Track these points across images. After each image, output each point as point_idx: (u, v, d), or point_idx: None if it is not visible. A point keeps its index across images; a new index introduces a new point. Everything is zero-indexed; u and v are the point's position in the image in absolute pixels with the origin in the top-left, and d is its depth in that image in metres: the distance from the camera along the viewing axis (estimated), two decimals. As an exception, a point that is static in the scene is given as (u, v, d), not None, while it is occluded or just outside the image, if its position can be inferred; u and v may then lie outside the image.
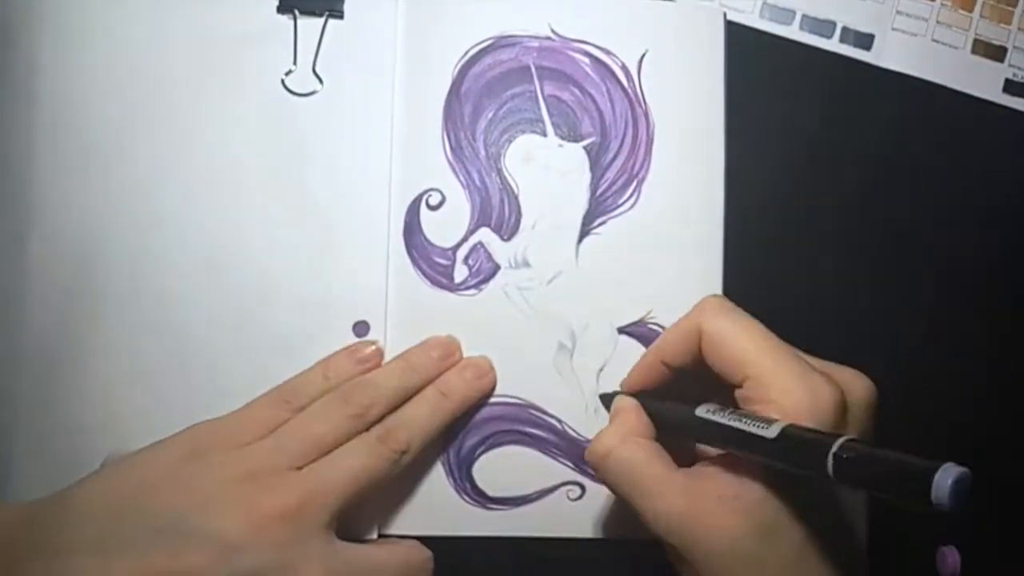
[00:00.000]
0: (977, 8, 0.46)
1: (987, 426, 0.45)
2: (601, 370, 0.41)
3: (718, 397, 0.34)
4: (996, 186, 0.46)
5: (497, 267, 0.41)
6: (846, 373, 0.34)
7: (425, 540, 0.39)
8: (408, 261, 0.41)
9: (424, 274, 0.41)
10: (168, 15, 0.41)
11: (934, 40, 0.45)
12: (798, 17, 0.45)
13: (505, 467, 0.40)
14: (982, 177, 0.46)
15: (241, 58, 0.41)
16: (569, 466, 0.41)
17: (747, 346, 0.33)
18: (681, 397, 0.35)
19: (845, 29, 0.45)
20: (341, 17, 0.41)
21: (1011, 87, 0.46)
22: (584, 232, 0.41)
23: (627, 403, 0.37)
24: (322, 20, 0.41)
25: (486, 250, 0.41)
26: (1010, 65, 0.46)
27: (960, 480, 0.24)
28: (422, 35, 0.41)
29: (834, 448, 0.27)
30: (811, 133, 0.45)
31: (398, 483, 0.38)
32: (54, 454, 0.39)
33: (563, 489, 0.41)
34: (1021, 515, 0.44)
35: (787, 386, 0.31)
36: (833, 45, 0.45)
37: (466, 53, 0.42)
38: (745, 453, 0.31)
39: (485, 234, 0.41)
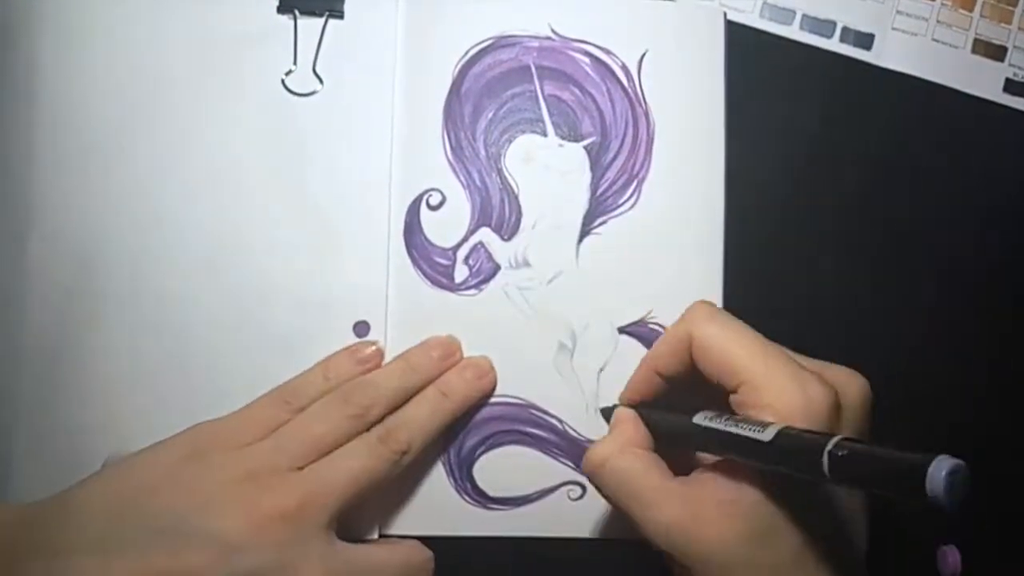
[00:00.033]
0: (977, 8, 0.46)
1: (987, 426, 0.45)
2: (601, 370, 0.41)
3: (716, 406, 0.33)
4: (996, 186, 0.46)
5: (497, 267, 0.41)
6: (840, 372, 0.34)
7: (425, 540, 0.39)
8: (408, 261, 0.41)
9: (424, 274, 0.41)
10: (168, 15, 0.41)
11: (934, 40, 0.45)
12: (798, 17, 0.45)
13: (505, 467, 0.40)
14: (982, 177, 0.46)
15: (241, 58, 0.41)
16: (569, 466, 0.41)
17: (738, 351, 0.33)
18: (681, 407, 0.35)
19: (845, 29, 0.45)
20: (341, 17, 0.41)
21: (1011, 87, 0.46)
22: (584, 232, 0.41)
23: (624, 414, 0.37)
24: (322, 20, 0.41)
25: (486, 250, 0.41)
26: (1010, 65, 0.46)
27: (954, 472, 0.23)
28: (422, 35, 0.41)
29: (828, 446, 0.27)
30: (811, 133, 0.45)
31: (398, 483, 0.38)
32: (54, 454, 0.39)
33: (563, 489, 0.41)
34: (1021, 515, 0.44)
35: (780, 389, 0.31)
36: (833, 45, 0.45)
37: (466, 53, 0.42)
38: (742, 458, 0.31)
39: (485, 234, 0.41)
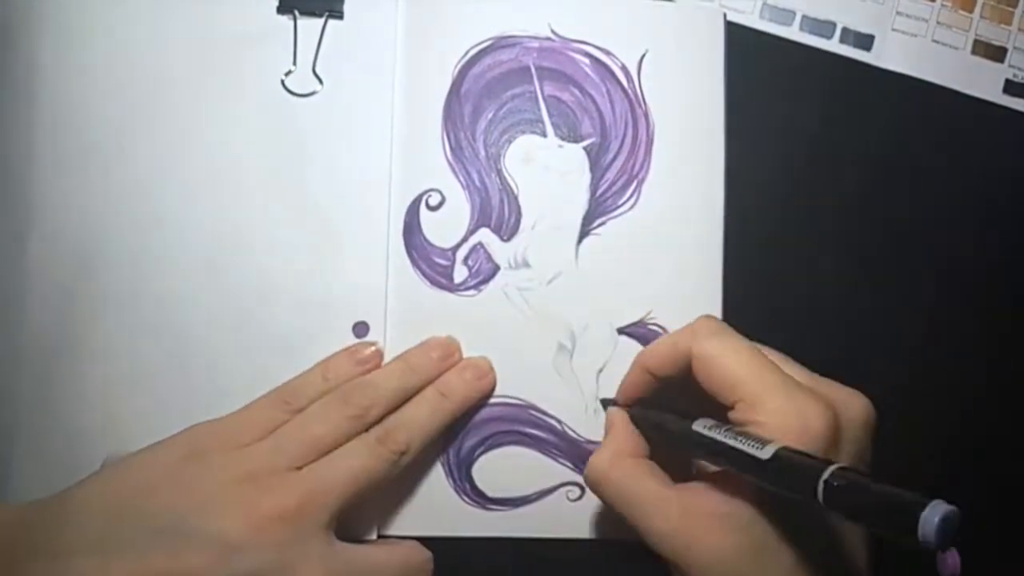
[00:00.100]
0: (977, 9, 0.46)
1: (987, 426, 0.45)
2: (601, 370, 0.41)
3: (714, 410, 0.33)
4: (996, 186, 0.46)
5: (497, 267, 0.41)
6: (843, 392, 0.34)
7: (425, 541, 0.39)
8: (408, 261, 0.41)
9: (424, 274, 0.41)
10: (168, 15, 0.41)
11: (934, 41, 0.45)
12: (798, 17, 0.45)
13: (505, 468, 0.40)
14: (982, 177, 0.46)
15: (241, 58, 0.41)
16: (569, 466, 0.41)
17: (737, 369, 0.33)
18: (678, 409, 0.35)
19: (845, 30, 0.45)
20: (341, 17, 0.41)
21: (1011, 87, 0.46)
22: (584, 232, 0.41)
23: (616, 418, 0.37)
24: (322, 20, 0.41)
25: (486, 250, 0.41)
26: (1010, 65, 0.46)
27: (947, 518, 0.23)
28: (422, 35, 0.41)
29: (825, 475, 0.27)
30: (811, 133, 0.45)
31: (398, 484, 0.38)
32: (54, 455, 0.39)
33: (563, 489, 0.41)
34: (1021, 515, 0.44)
35: (777, 409, 0.31)
36: (833, 45, 0.45)
37: (466, 53, 0.42)
38: (738, 471, 0.31)
39: (485, 234, 0.41)
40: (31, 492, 0.36)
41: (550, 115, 0.42)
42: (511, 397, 0.40)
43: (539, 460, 0.40)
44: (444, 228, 0.41)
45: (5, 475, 0.39)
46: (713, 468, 0.33)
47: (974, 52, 0.45)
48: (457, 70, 0.41)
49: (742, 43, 0.43)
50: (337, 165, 0.41)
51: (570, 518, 0.40)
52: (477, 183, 0.41)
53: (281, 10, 0.41)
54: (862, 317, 0.44)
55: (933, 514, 0.23)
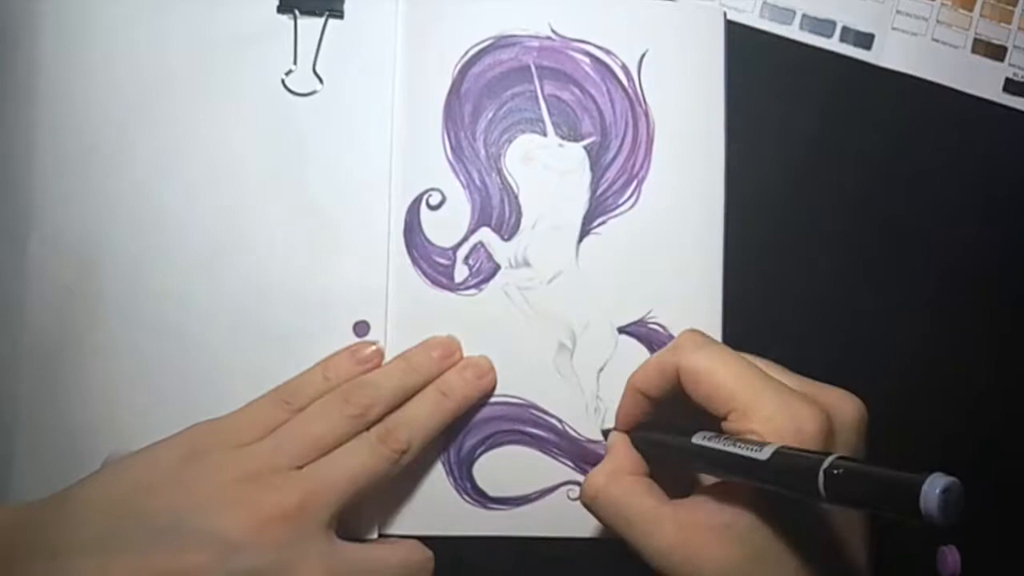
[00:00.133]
0: (977, 7, 0.46)
1: (987, 426, 0.45)
2: (601, 370, 0.41)
3: (713, 426, 0.33)
4: (996, 186, 0.46)
5: (497, 267, 0.41)
6: (834, 394, 0.34)
7: (425, 540, 0.39)
8: (408, 261, 0.41)
9: (424, 274, 0.41)
10: (168, 15, 0.41)
11: (934, 40, 0.45)
12: (798, 17, 0.45)
13: (505, 467, 0.40)
14: (982, 176, 0.46)
15: (241, 58, 0.41)
16: (569, 466, 0.41)
17: (726, 380, 0.33)
18: (678, 429, 0.35)
19: (845, 29, 0.45)
20: (341, 17, 0.41)
21: (1011, 87, 0.46)
22: (584, 232, 0.41)
23: (616, 440, 0.37)
24: (322, 20, 0.41)
25: (486, 250, 0.41)
26: (1010, 64, 0.46)
27: (948, 489, 0.23)
28: (422, 35, 0.41)
29: (824, 465, 0.27)
30: (811, 133, 0.45)
31: (398, 483, 0.38)
32: (54, 454, 0.39)
33: (563, 489, 0.41)
34: (1021, 515, 0.44)
35: (768, 415, 0.31)
36: (833, 45, 0.45)
37: (466, 53, 0.42)
38: (738, 477, 0.31)
39: (485, 234, 0.41)
40: (31, 492, 0.36)
41: (550, 114, 0.42)
42: (512, 396, 0.40)
43: (540, 459, 0.40)
44: (444, 227, 0.41)
45: (5, 475, 0.39)
46: (712, 481, 0.33)
47: (974, 51, 0.46)
48: (457, 69, 0.41)
49: (742, 42, 0.43)
50: (337, 165, 0.41)
51: (570, 517, 0.40)
52: (477, 182, 0.41)
53: (281, 10, 0.41)
54: (862, 317, 0.44)
55: (933, 487, 0.23)
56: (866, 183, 0.45)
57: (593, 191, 0.41)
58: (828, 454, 0.27)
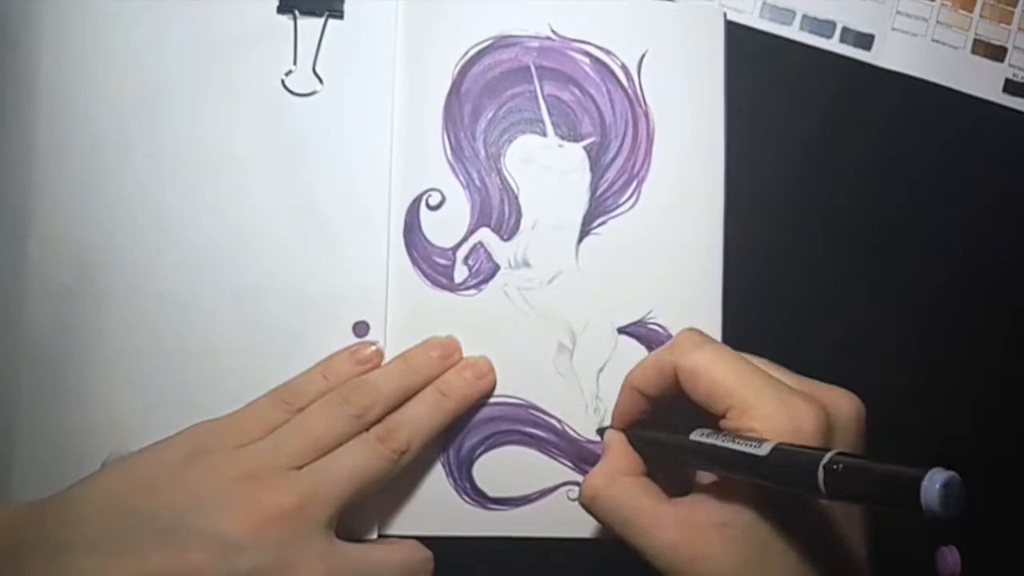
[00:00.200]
0: (977, 8, 0.46)
1: (987, 426, 0.45)
2: (601, 370, 0.41)
3: (711, 424, 0.33)
4: (996, 186, 0.46)
5: (497, 267, 0.41)
6: (833, 393, 0.33)
7: (425, 540, 0.39)
8: (408, 261, 0.41)
9: (424, 274, 0.41)
10: (168, 15, 0.41)
11: (934, 40, 0.45)
12: (798, 17, 0.45)
13: (505, 467, 0.40)
14: (982, 177, 0.46)
15: (241, 58, 0.41)
16: (569, 466, 0.41)
17: (724, 378, 0.32)
18: (675, 427, 0.35)
19: (845, 29, 0.45)
20: (341, 17, 0.41)
21: (1011, 87, 0.46)
22: (584, 232, 0.41)
23: (612, 439, 0.37)
24: (322, 20, 0.41)
25: (486, 250, 0.41)
26: (1010, 65, 0.46)
27: (948, 484, 0.23)
28: (422, 35, 0.41)
29: (824, 461, 0.27)
30: (811, 133, 0.45)
31: (398, 483, 0.38)
32: (54, 454, 0.39)
33: (563, 489, 0.41)
34: (1021, 515, 0.44)
35: (767, 413, 0.31)
36: (833, 45, 0.45)
37: (466, 53, 0.42)
38: (737, 474, 0.31)
39: (485, 234, 0.41)
40: (31, 492, 0.36)
41: (550, 114, 0.42)
42: (511, 396, 0.40)
43: (539, 459, 0.40)
44: (444, 228, 0.41)
45: (5, 475, 0.39)
46: (711, 479, 0.33)
47: (974, 51, 0.46)
48: (457, 70, 0.41)
49: (742, 43, 0.43)
50: (337, 165, 0.41)
51: (570, 518, 0.40)
52: (477, 183, 0.41)
53: (281, 10, 0.41)
54: (862, 317, 0.45)
55: (933, 482, 0.23)
56: (866, 183, 0.45)
57: (593, 191, 0.41)
58: (828, 450, 0.27)
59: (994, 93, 0.46)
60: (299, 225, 0.40)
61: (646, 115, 0.42)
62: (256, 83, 0.41)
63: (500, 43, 0.42)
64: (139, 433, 0.36)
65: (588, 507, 0.36)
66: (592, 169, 0.41)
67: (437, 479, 0.40)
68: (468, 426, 0.40)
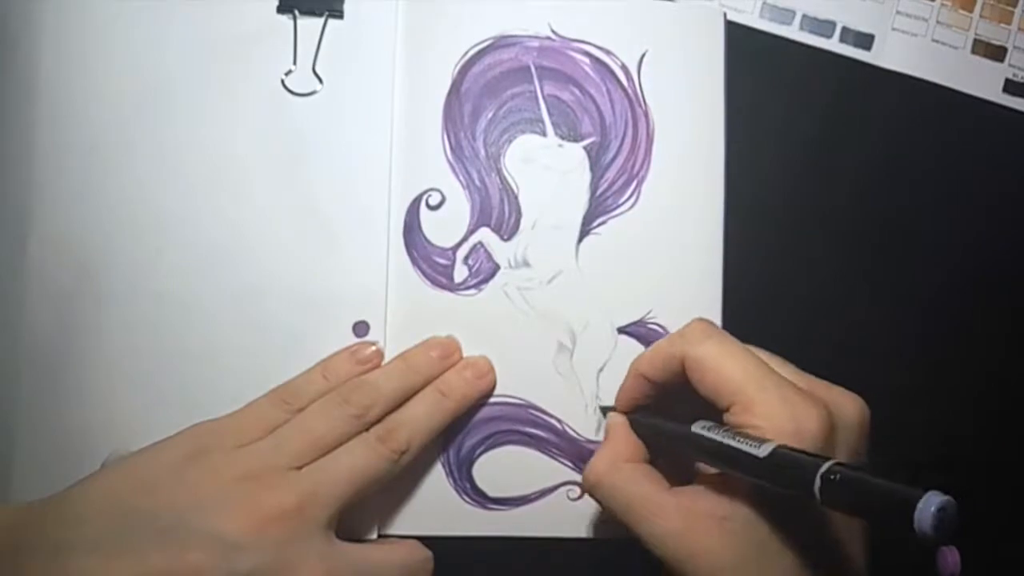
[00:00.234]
0: (977, 8, 0.46)
1: (987, 426, 0.45)
2: (601, 370, 0.41)
3: (712, 414, 0.33)
4: (996, 186, 0.46)
5: (497, 267, 0.41)
6: (837, 393, 0.34)
7: (425, 540, 0.39)
8: (408, 261, 0.41)
9: (424, 274, 0.41)
10: (168, 15, 0.41)
11: (934, 40, 0.45)
12: (798, 17, 0.45)
13: (505, 467, 0.40)
14: (982, 177, 0.46)
15: (241, 58, 0.41)
16: (569, 466, 0.41)
17: (731, 372, 0.33)
18: (678, 414, 0.35)
19: (845, 29, 0.45)
20: (341, 17, 0.41)
21: (1011, 87, 0.46)
22: (584, 232, 0.41)
23: (615, 423, 0.37)
24: (322, 20, 0.41)
25: (486, 250, 0.41)
26: (1010, 65, 0.46)
27: (943, 508, 0.23)
28: (422, 35, 0.41)
29: (821, 470, 0.27)
30: (811, 133, 0.45)
31: (398, 483, 0.38)
32: (54, 454, 0.39)
33: (563, 489, 0.41)
34: (1021, 515, 0.44)
35: (770, 411, 0.31)
36: (833, 45, 0.45)
37: (466, 53, 0.42)
38: (736, 471, 0.31)
39: (485, 234, 0.41)
40: (31, 492, 0.36)
41: (550, 114, 0.42)
42: (511, 396, 0.40)
43: (539, 459, 0.40)
44: (444, 228, 0.41)
45: (5, 475, 0.39)
46: (711, 471, 0.33)
47: (974, 51, 0.46)
48: (457, 70, 0.41)
49: (742, 43, 0.43)
50: (337, 165, 0.41)
51: (570, 518, 0.40)
52: (477, 182, 0.41)
53: (281, 10, 0.41)
54: (862, 317, 0.45)
55: (928, 505, 0.23)
56: (866, 183, 0.45)
57: (593, 191, 0.41)
58: (826, 459, 0.27)
59: (994, 93, 0.46)
60: (299, 225, 0.40)
61: (646, 115, 0.42)
62: (256, 83, 0.41)
63: (500, 43, 0.42)
64: (139, 433, 0.36)
65: (590, 492, 0.36)
66: (592, 169, 0.41)
67: (437, 479, 0.40)
68: (468, 426, 0.40)
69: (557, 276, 0.41)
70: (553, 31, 0.42)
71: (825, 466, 0.27)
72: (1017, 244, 0.46)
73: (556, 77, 0.42)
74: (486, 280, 0.41)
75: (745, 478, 0.31)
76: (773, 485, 0.29)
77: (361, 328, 0.40)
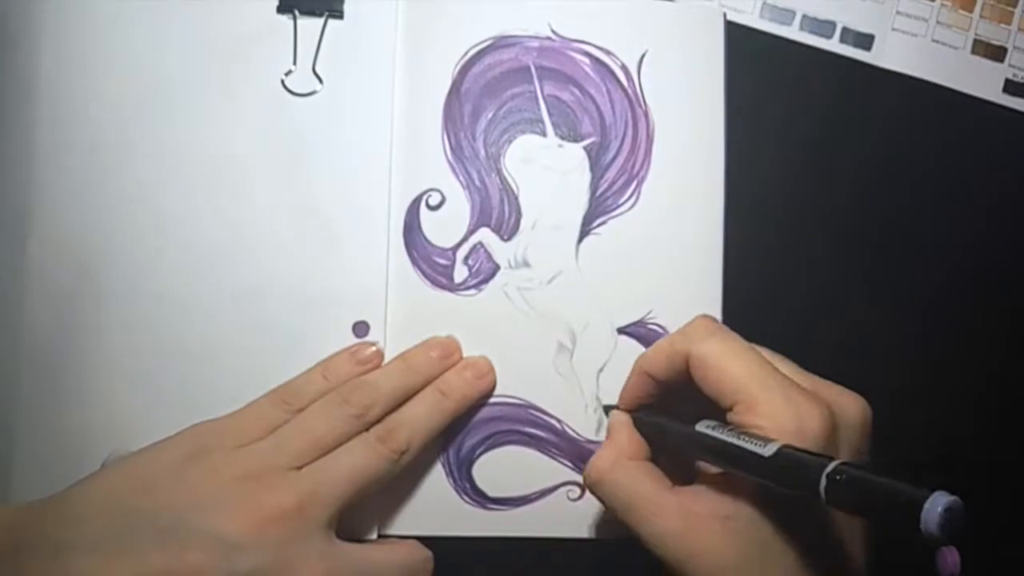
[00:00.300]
0: (977, 8, 0.46)
1: (987, 426, 0.45)
2: (601, 370, 0.41)
3: (717, 413, 0.33)
4: (996, 186, 0.46)
5: (497, 267, 0.41)
6: (839, 393, 0.34)
7: (425, 540, 0.39)
8: (408, 261, 0.41)
9: (424, 274, 0.41)
10: (168, 15, 0.41)
11: (934, 40, 0.45)
12: (798, 17, 0.45)
13: (505, 467, 0.40)
14: (982, 177, 0.46)
15: (241, 58, 0.41)
16: (568, 466, 0.41)
17: (735, 371, 0.33)
18: (681, 414, 0.35)
19: (845, 29, 0.45)
20: (341, 17, 0.41)
21: (1011, 87, 0.46)
22: (584, 232, 0.41)
23: (618, 421, 0.37)
24: (322, 20, 0.41)
25: (486, 250, 0.41)
26: (1010, 65, 0.46)
27: (950, 509, 0.23)
28: (422, 35, 0.41)
29: (827, 470, 0.27)
30: (811, 133, 0.45)
31: (398, 483, 0.38)
32: (54, 454, 0.39)
33: (563, 489, 0.41)
34: (1021, 515, 0.44)
35: (773, 410, 0.31)
36: (833, 45, 0.45)
37: (466, 53, 0.42)
38: (741, 471, 0.31)
39: (485, 234, 0.41)
40: (31, 492, 0.36)
41: (550, 115, 0.42)
42: (511, 397, 0.40)
43: (539, 460, 0.40)
44: (444, 228, 0.41)
45: (5, 475, 0.39)
46: (714, 471, 0.33)
47: (974, 52, 0.46)
48: (457, 70, 0.41)
49: (742, 43, 0.43)
50: (337, 165, 0.41)
51: (570, 518, 0.40)
52: (477, 183, 0.41)
53: (281, 10, 0.41)
54: (862, 317, 0.45)
55: (935, 506, 0.23)
56: (866, 183, 0.45)
57: (593, 191, 0.41)
58: (831, 459, 0.27)
59: (994, 93, 0.46)
60: (299, 225, 0.40)
61: (646, 115, 0.42)
62: (256, 83, 0.41)
63: (500, 43, 0.42)
64: (139, 433, 0.36)
65: (592, 489, 0.36)
66: (592, 169, 0.41)
67: (437, 479, 0.40)
68: (468, 426, 0.40)
69: (557, 276, 0.41)
70: (553, 31, 0.42)
71: (831, 466, 0.27)
72: (1017, 244, 0.46)
73: (556, 77, 0.42)
74: (486, 280, 0.41)
75: (749, 478, 0.31)
76: (778, 485, 0.29)
77: (361, 328, 0.40)
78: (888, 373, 0.43)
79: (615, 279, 0.41)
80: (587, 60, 0.42)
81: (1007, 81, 0.46)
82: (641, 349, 0.41)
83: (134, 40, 0.40)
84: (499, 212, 0.41)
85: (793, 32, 0.45)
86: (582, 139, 0.42)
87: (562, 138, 0.42)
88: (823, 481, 0.27)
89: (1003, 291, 0.45)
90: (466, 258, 0.41)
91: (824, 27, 0.45)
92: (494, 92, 0.41)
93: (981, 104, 0.45)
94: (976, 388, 0.45)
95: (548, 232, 0.41)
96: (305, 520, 0.34)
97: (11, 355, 0.39)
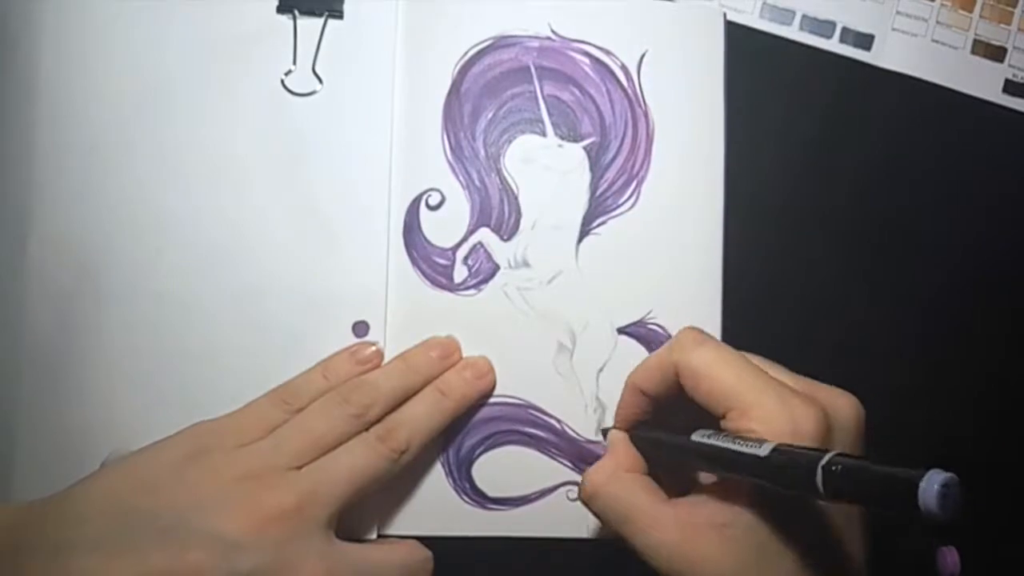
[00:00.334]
0: (977, 8, 0.46)
1: (987, 426, 0.45)
2: (601, 370, 0.41)
3: (712, 427, 0.33)
4: (996, 186, 0.46)
5: (497, 267, 0.41)
6: (832, 394, 0.34)
7: (425, 540, 0.39)
8: (408, 261, 0.41)
9: (424, 274, 0.41)
10: (168, 15, 0.41)
11: (934, 40, 0.45)
12: (798, 17, 0.45)
13: (504, 467, 0.40)
14: (982, 177, 0.46)
15: (241, 58, 0.41)
16: (568, 466, 0.41)
17: (726, 378, 0.32)
18: (678, 428, 0.35)
19: (845, 29, 0.45)
20: (341, 17, 0.41)
21: (1011, 87, 0.46)
22: (584, 232, 0.41)
23: (616, 438, 0.37)
24: (322, 20, 0.41)
25: (486, 250, 0.41)
26: (1010, 65, 0.46)
27: (947, 485, 0.23)
28: (422, 35, 0.41)
29: (823, 462, 0.27)
30: (811, 133, 0.45)
31: (398, 483, 0.38)
32: (54, 454, 0.39)
33: (563, 489, 0.41)
34: (1021, 515, 0.44)
35: (767, 414, 0.31)
36: (833, 45, 0.45)
37: (466, 53, 0.42)
38: (737, 474, 0.31)
39: (485, 234, 0.41)
40: (31, 492, 0.36)
41: (550, 115, 0.42)
42: (511, 396, 0.40)
43: (539, 460, 0.40)
44: (444, 228, 0.41)
45: (5, 475, 0.39)
46: (712, 480, 0.33)
47: (974, 52, 0.46)
48: (457, 70, 0.41)
49: (742, 43, 0.43)
50: (337, 165, 0.41)
51: (570, 518, 0.40)
52: (477, 183, 0.41)
53: (281, 10, 0.41)
54: (862, 317, 0.45)
55: (931, 483, 0.23)
56: (866, 183, 0.45)
57: (593, 191, 0.41)
58: (827, 451, 0.27)
59: (994, 93, 0.46)
60: (299, 225, 0.40)
61: (646, 115, 0.42)
62: (256, 83, 0.41)
63: (500, 43, 0.42)
64: (139, 433, 0.36)
65: (587, 503, 0.35)
66: (592, 169, 0.41)
67: (437, 479, 0.40)
68: (468, 426, 0.40)
69: (557, 276, 0.41)
70: (553, 31, 0.42)
71: (826, 458, 0.27)
72: (1017, 244, 0.46)
73: (556, 77, 0.42)
74: (486, 280, 0.41)
75: (746, 480, 0.31)
76: (775, 484, 0.29)
77: (361, 328, 0.40)
78: (888, 373, 0.43)
79: (615, 279, 0.41)
80: (587, 60, 0.42)
81: (1007, 81, 0.46)
82: (641, 349, 0.41)
83: (134, 40, 0.40)
84: (499, 212, 0.41)
85: (793, 32, 0.45)
86: (582, 139, 0.42)
87: (562, 138, 0.42)
88: (820, 473, 0.27)
89: (1003, 291, 0.45)
90: (466, 258, 0.41)
91: (824, 27, 0.45)
92: (494, 92, 0.41)
93: (981, 104, 0.45)
94: (976, 388, 0.45)
95: (548, 232, 0.41)
96: (305, 520, 0.34)
97: (11, 355, 0.39)
